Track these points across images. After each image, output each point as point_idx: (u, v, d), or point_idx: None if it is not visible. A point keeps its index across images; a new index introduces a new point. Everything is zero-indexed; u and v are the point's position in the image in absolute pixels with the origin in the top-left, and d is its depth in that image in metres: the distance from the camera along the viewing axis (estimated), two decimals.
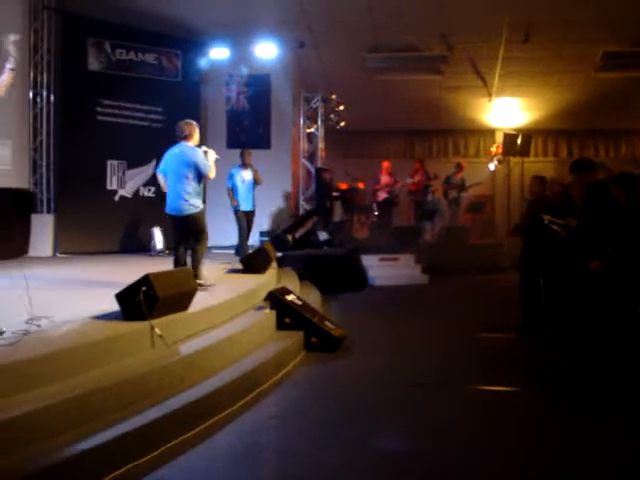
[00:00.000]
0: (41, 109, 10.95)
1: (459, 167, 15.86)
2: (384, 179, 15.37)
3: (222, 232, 11.11)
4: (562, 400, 5.05)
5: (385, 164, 15.57)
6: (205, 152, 6.96)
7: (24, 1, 10.56)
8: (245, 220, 10.31)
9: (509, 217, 14.87)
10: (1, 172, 10.04)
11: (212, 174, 6.95)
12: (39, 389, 3.82)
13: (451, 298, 10.38)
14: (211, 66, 12.68)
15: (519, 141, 14.52)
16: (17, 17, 10.35)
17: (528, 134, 14.98)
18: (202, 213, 7.01)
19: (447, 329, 7.78)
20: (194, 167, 6.81)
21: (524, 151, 14.62)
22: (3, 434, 3.38)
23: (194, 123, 7.06)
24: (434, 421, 4.64)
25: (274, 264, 9.04)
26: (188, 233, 6.99)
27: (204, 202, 7.60)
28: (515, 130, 16.16)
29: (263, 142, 12.94)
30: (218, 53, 12.45)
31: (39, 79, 10.89)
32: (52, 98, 11.03)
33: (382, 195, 15.26)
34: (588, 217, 6.21)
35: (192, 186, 6.83)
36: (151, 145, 11.87)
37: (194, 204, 6.86)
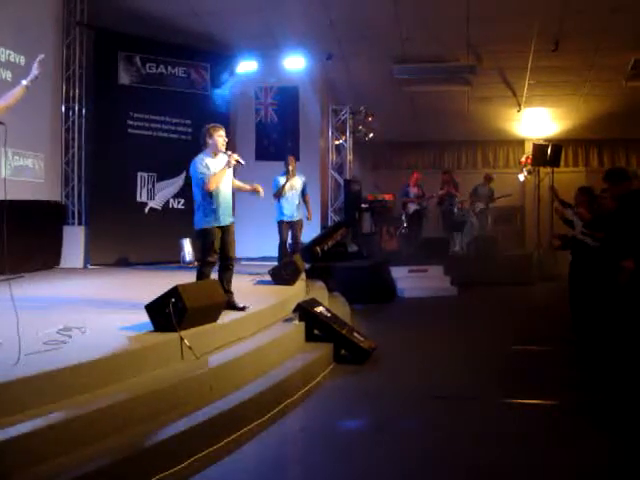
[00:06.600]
0: (73, 122, 11.12)
1: (487, 178, 15.70)
2: (413, 190, 15.25)
3: (254, 244, 11.34)
4: (601, 413, 4.92)
5: (415, 175, 15.43)
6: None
7: (57, 17, 10.78)
8: (288, 230, 9.84)
9: (539, 228, 14.71)
10: (34, 184, 10.18)
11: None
12: (68, 399, 3.84)
13: (480, 310, 10.26)
14: (239, 79, 12.75)
15: (549, 151, 14.35)
16: (50, 33, 10.56)
17: (558, 144, 14.82)
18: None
19: (477, 341, 7.68)
20: None
21: (554, 161, 14.44)
22: (38, 441, 3.41)
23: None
24: (466, 434, 4.57)
25: (303, 276, 9.03)
26: None
27: None
28: (545, 140, 15.99)
29: (291, 154, 12.96)
30: (246, 66, 12.51)
31: (71, 93, 11.09)
32: (84, 112, 11.21)
33: (412, 207, 15.15)
34: (620, 227, 6.12)
35: None
36: (181, 157, 11.97)
37: None
